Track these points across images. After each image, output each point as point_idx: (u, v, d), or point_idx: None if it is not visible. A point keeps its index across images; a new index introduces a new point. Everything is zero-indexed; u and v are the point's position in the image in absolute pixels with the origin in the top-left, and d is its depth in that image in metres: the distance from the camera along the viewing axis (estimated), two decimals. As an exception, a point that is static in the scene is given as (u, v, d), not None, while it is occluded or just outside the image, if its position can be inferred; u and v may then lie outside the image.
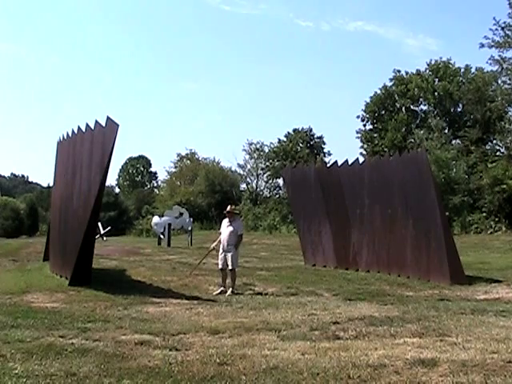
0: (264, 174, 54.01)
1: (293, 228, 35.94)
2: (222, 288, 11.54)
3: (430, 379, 4.82)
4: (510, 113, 36.29)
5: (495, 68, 35.15)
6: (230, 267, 11.64)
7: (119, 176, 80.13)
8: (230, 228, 11.72)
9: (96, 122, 12.05)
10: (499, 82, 35.82)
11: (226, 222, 11.91)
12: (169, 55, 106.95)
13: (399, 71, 45.07)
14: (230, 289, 11.48)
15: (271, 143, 53.01)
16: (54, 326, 7.43)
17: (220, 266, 11.76)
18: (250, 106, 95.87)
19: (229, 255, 11.64)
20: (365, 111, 45.51)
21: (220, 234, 11.95)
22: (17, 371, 5.13)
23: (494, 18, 33.20)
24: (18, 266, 17.30)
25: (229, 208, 12.12)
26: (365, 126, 46.11)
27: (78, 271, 11.96)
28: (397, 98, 44.58)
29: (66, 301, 10.04)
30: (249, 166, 54.79)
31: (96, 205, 11.99)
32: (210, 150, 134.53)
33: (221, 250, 11.76)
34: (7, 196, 70.24)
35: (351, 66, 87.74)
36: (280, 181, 48.99)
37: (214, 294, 11.32)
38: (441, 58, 43.96)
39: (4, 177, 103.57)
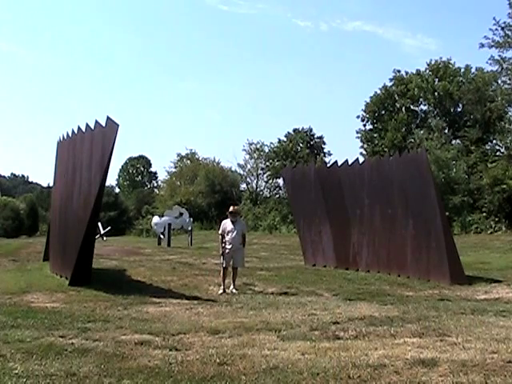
0: (264, 174, 53.94)
1: (293, 228, 35.90)
2: (222, 287, 11.60)
3: (430, 379, 4.82)
4: (510, 113, 36.29)
5: (495, 68, 35.12)
6: (236, 266, 11.91)
7: (119, 176, 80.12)
8: (237, 228, 11.88)
9: (96, 121, 12.06)
10: (499, 81, 35.79)
11: (228, 222, 11.97)
12: (168, 55, 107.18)
13: (399, 71, 45.04)
14: (232, 286, 11.67)
15: (271, 143, 52.99)
16: (54, 326, 7.43)
17: (225, 265, 11.82)
18: (250, 105, 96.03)
19: (239, 254, 11.94)
20: (365, 111, 45.46)
21: (222, 235, 11.97)
22: (17, 371, 5.13)
23: (494, 18, 33.16)
24: (18, 266, 17.28)
25: (232, 208, 12.26)
26: (365, 125, 46.10)
27: (77, 271, 11.97)
28: (397, 98, 44.51)
29: (66, 301, 10.05)
30: (249, 166, 54.75)
31: (96, 205, 12.00)
32: (210, 150, 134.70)
33: (227, 250, 11.82)
34: (7, 196, 70.19)
35: (350, 66, 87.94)
36: (280, 181, 48.93)
37: (220, 293, 11.39)
38: (441, 57, 43.90)
39: (4, 177, 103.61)
